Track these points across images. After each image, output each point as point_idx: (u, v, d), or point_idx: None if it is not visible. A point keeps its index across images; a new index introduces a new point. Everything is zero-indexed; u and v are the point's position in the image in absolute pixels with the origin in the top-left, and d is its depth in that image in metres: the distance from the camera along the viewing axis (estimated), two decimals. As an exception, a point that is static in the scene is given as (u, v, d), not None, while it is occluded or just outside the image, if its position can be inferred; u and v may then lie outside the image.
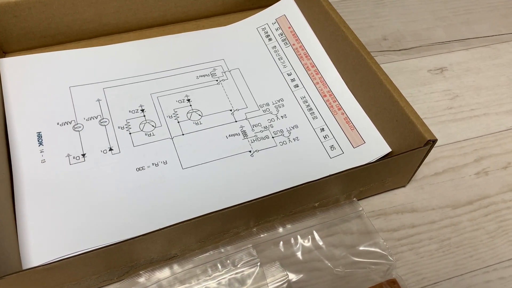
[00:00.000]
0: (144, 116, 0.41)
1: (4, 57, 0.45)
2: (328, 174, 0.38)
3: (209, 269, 0.33)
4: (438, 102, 0.48)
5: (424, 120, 0.46)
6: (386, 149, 0.40)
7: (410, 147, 0.36)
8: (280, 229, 0.36)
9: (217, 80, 0.45)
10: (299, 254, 0.35)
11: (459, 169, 0.43)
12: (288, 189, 0.32)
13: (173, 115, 0.41)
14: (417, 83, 0.50)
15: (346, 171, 0.33)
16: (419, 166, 0.38)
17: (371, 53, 0.50)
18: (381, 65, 0.50)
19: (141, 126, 0.40)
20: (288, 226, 0.36)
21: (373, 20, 0.56)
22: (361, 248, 0.36)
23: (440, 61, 0.53)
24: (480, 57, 0.54)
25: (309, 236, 0.36)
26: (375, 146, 0.40)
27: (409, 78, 0.50)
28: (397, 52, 0.53)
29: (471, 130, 0.46)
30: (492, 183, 0.42)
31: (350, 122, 0.42)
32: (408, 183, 0.41)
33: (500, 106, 0.49)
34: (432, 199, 0.40)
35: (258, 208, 0.32)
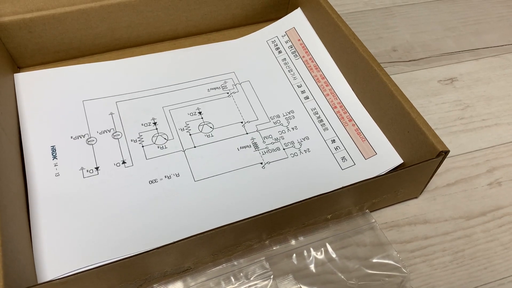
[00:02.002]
0: (157, 129, 0.41)
1: (19, 72, 0.45)
2: (340, 186, 0.38)
3: (222, 282, 0.33)
4: (449, 112, 0.48)
5: (435, 131, 0.45)
6: (398, 160, 0.39)
7: (422, 158, 0.36)
8: (293, 242, 0.36)
9: (228, 93, 0.45)
10: (312, 266, 0.35)
11: (471, 179, 0.43)
12: (300, 201, 0.32)
13: (185, 128, 0.42)
14: (428, 94, 0.50)
15: (358, 183, 0.33)
16: (431, 177, 0.38)
17: (381, 65, 0.50)
18: (391, 76, 0.50)
19: (154, 139, 0.41)
20: (301, 238, 0.36)
21: (382, 32, 0.57)
22: (374, 260, 0.36)
23: (450, 72, 0.53)
24: (490, 67, 0.54)
25: (322, 249, 0.36)
26: (387, 158, 0.40)
27: (419, 89, 0.50)
28: (407, 63, 0.53)
29: (482, 140, 0.46)
30: (506, 194, 0.42)
31: (361, 133, 0.42)
32: (420, 194, 0.40)
33: None
34: (445, 210, 0.40)
35: (271, 220, 0.32)
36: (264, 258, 0.35)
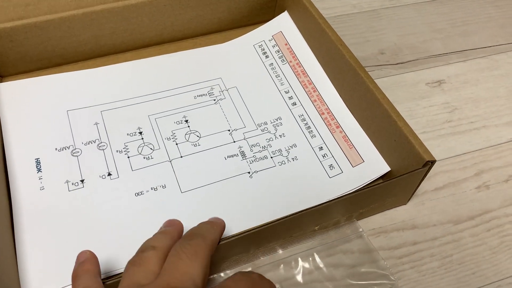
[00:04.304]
0: (142, 138, 0.41)
1: (2, 81, 0.45)
2: (328, 194, 0.38)
3: (209, 296, 0.33)
4: (437, 115, 0.48)
5: (423, 134, 0.46)
6: (385, 168, 0.39)
7: (409, 167, 0.36)
8: (280, 252, 0.36)
9: (214, 100, 0.45)
10: (299, 276, 0.35)
11: (459, 183, 0.43)
12: (288, 216, 0.32)
13: (171, 137, 0.41)
14: (415, 97, 0.50)
15: (346, 196, 0.33)
16: (418, 186, 0.38)
17: (368, 68, 0.50)
18: (379, 79, 0.50)
19: (139, 149, 0.40)
20: (288, 248, 0.36)
21: (370, 34, 0.56)
22: (362, 270, 0.36)
23: (438, 74, 0.52)
24: (478, 68, 0.53)
25: (310, 258, 0.36)
26: (374, 165, 0.40)
27: (407, 91, 0.50)
28: (394, 65, 0.53)
29: (470, 143, 0.46)
30: (494, 197, 0.42)
31: (349, 140, 0.42)
32: (408, 202, 0.40)
33: (500, 118, 0.49)
34: (433, 215, 0.40)
35: (258, 236, 0.32)
36: (251, 268, 0.35)
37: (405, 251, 0.38)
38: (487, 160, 0.45)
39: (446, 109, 0.49)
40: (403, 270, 0.37)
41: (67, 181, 0.38)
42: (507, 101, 0.50)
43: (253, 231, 0.31)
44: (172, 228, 0.31)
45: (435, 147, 0.45)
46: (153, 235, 0.29)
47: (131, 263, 0.27)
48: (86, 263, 0.28)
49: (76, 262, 0.29)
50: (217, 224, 0.31)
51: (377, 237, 0.38)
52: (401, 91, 0.50)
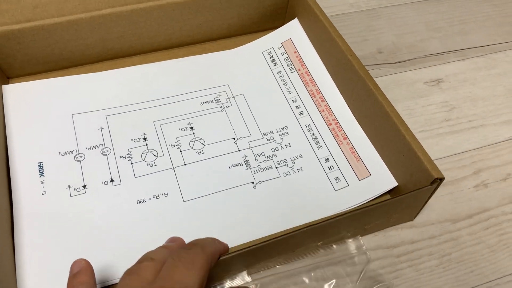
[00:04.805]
0: (146, 145, 0.41)
1: (8, 82, 0.45)
2: (332, 208, 0.37)
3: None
4: (435, 114, 0.48)
5: (422, 133, 0.46)
6: (392, 183, 0.38)
7: (417, 182, 0.35)
8: (282, 266, 0.35)
9: (221, 107, 0.44)
10: (301, 291, 0.35)
11: (458, 182, 0.42)
12: (290, 232, 0.31)
13: (175, 144, 0.41)
14: (414, 96, 0.49)
15: (350, 213, 0.32)
16: (425, 203, 0.37)
17: (367, 67, 0.49)
18: (377, 79, 0.49)
19: (143, 155, 0.40)
20: (290, 263, 0.36)
21: (368, 34, 0.56)
22: (360, 280, 0.35)
23: (436, 73, 0.52)
24: (476, 67, 0.53)
25: (311, 274, 0.35)
26: (381, 180, 0.39)
27: (405, 90, 0.50)
28: (392, 65, 0.52)
29: (468, 142, 0.46)
30: (492, 196, 0.42)
31: (356, 153, 0.41)
32: (415, 218, 0.39)
33: (498, 117, 0.48)
34: (431, 213, 0.40)
35: (259, 251, 0.31)
36: (251, 280, 0.34)
37: (403, 250, 0.37)
38: (485, 159, 0.44)
39: (444, 108, 0.48)
40: (401, 268, 0.36)
41: (69, 186, 0.37)
42: (505, 99, 0.50)
43: (254, 246, 0.30)
44: (174, 244, 0.30)
45: (433, 146, 0.45)
46: (154, 249, 0.29)
47: (127, 272, 0.27)
48: (81, 274, 0.28)
49: (70, 272, 0.28)
50: (220, 241, 0.30)
51: (375, 236, 0.38)
52: (399, 90, 0.50)
